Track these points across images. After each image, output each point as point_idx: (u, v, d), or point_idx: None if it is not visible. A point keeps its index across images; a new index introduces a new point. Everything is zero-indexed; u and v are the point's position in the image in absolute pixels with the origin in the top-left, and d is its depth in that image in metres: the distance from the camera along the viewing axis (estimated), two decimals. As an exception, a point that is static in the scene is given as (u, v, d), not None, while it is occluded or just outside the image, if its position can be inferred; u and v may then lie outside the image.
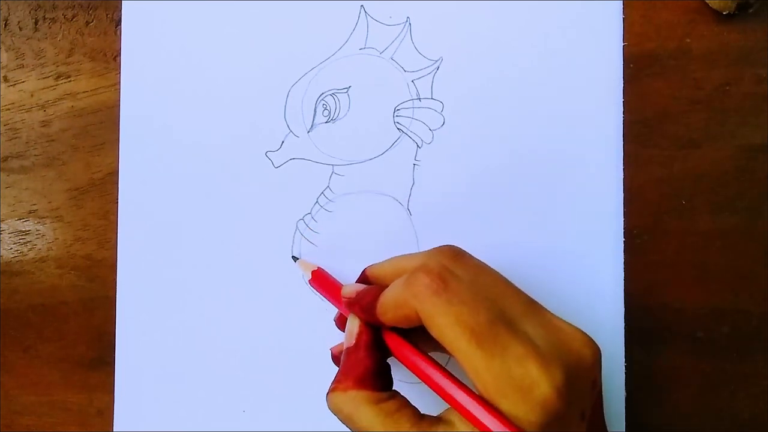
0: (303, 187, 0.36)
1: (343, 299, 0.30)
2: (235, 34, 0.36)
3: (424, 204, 0.36)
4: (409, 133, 0.36)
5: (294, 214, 0.36)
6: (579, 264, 0.35)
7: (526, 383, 0.23)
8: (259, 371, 0.36)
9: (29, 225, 0.38)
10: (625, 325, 0.35)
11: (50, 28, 0.37)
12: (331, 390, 0.27)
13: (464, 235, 0.35)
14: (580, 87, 0.35)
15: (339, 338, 0.36)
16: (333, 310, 0.34)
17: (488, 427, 0.23)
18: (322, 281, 0.34)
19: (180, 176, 0.36)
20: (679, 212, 0.35)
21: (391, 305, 0.27)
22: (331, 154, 0.36)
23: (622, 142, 0.35)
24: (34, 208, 0.38)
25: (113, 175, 0.37)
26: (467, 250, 0.32)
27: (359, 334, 0.28)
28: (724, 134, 0.35)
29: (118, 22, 0.37)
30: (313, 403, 0.36)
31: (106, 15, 0.37)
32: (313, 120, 0.36)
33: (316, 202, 0.36)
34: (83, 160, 0.37)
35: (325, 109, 0.36)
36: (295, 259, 0.36)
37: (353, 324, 0.29)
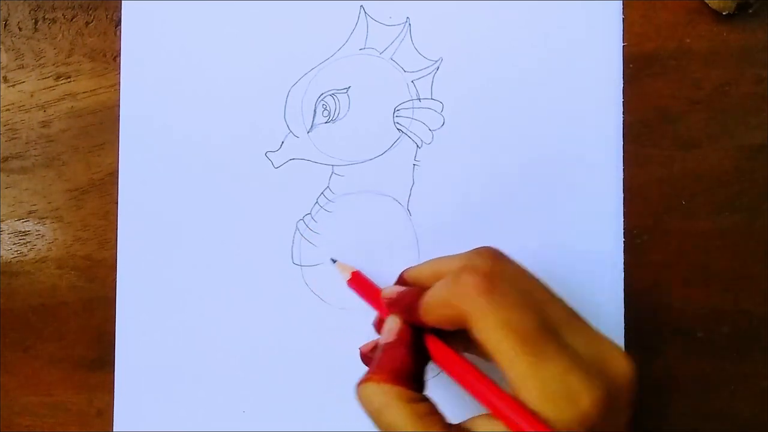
0: (303, 188, 0.36)
1: (383, 300, 0.30)
2: (234, 35, 0.36)
3: (424, 204, 0.36)
4: (409, 134, 0.36)
5: (294, 215, 0.36)
6: (579, 264, 0.35)
7: (570, 394, 0.22)
8: (259, 371, 0.36)
9: (29, 225, 0.38)
10: (625, 325, 0.35)
11: (50, 28, 0.37)
12: (365, 380, 0.26)
13: (464, 235, 0.35)
14: (580, 87, 0.35)
15: (340, 340, 0.36)
16: (335, 313, 0.34)
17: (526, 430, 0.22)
18: (361, 283, 0.34)
19: (180, 176, 0.36)
20: (679, 212, 0.35)
21: (435, 305, 0.26)
22: (330, 154, 0.36)
23: (622, 142, 0.35)
24: (34, 208, 0.38)
25: (113, 175, 0.37)
26: (467, 249, 0.32)
27: (400, 331, 0.28)
28: (723, 134, 0.35)
29: (118, 23, 0.37)
30: (313, 404, 0.36)
31: (106, 15, 0.37)
32: (313, 120, 0.36)
33: (316, 202, 0.36)
34: (83, 160, 0.37)
35: (325, 109, 0.36)
36: (333, 261, 0.35)
37: (394, 322, 0.28)
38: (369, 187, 0.36)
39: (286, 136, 0.36)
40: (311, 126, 0.36)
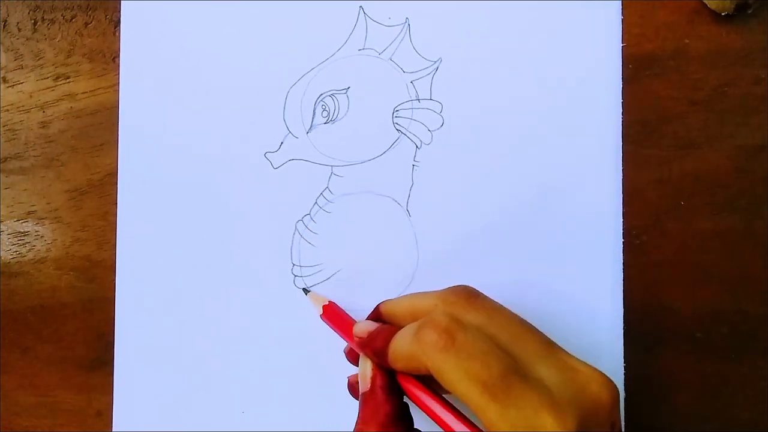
0: (302, 188, 0.36)
1: (354, 338, 0.30)
2: (234, 35, 0.36)
3: (423, 205, 0.36)
4: (408, 134, 0.36)
5: (293, 215, 0.36)
6: (578, 264, 0.35)
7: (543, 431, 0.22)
8: (259, 372, 0.36)
9: (28, 226, 0.38)
10: (624, 326, 0.35)
11: (49, 29, 0.37)
12: None
13: (463, 235, 0.35)
14: (579, 88, 0.35)
15: (339, 341, 0.36)
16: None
17: None
18: (334, 316, 0.33)
19: (179, 177, 0.36)
20: (678, 213, 0.35)
21: (401, 356, 0.26)
22: (330, 155, 0.36)
23: (621, 143, 0.35)
24: (33, 209, 0.38)
25: (112, 176, 0.37)
26: (466, 251, 0.32)
27: (373, 378, 0.28)
28: (723, 135, 0.35)
29: (117, 23, 0.37)
30: (312, 404, 0.36)
31: (105, 16, 0.37)
32: (312, 121, 0.36)
33: (315, 203, 0.36)
34: (82, 161, 0.37)
35: (324, 110, 0.36)
36: (306, 291, 0.35)
37: (366, 367, 0.29)
38: (368, 188, 0.36)
39: (286, 136, 0.36)
40: (310, 126, 0.36)
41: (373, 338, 0.29)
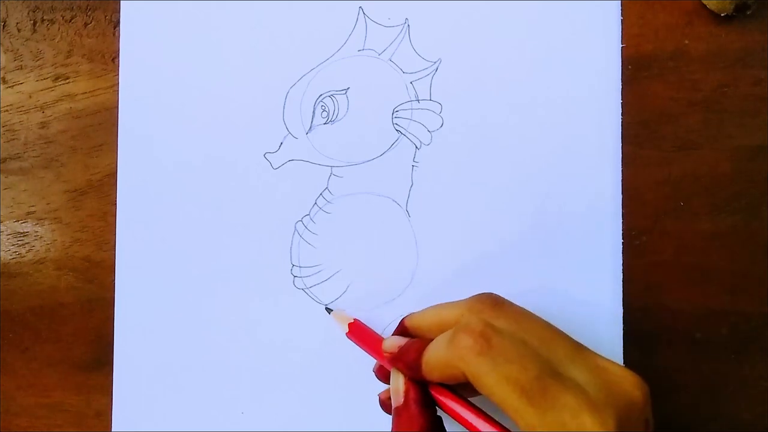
0: (301, 189, 0.36)
1: (384, 354, 0.30)
2: (233, 36, 0.36)
3: (423, 205, 0.36)
4: (408, 135, 0.36)
5: (292, 216, 0.36)
6: (578, 265, 0.35)
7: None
8: (258, 372, 0.36)
9: (27, 226, 0.38)
10: (623, 326, 0.35)
11: (48, 29, 0.37)
12: None
13: (462, 236, 0.35)
14: (578, 88, 0.35)
15: (338, 341, 0.36)
16: (325, 316, 0.34)
17: None
18: (360, 334, 0.33)
19: (178, 178, 0.36)
20: (677, 213, 0.35)
21: (436, 365, 0.26)
22: (329, 155, 0.36)
23: (620, 144, 0.35)
24: (33, 209, 0.38)
25: (112, 176, 0.37)
26: (466, 251, 0.33)
27: (406, 392, 0.28)
28: (722, 135, 0.35)
29: (117, 24, 0.37)
30: (311, 404, 0.36)
31: (105, 16, 0.37)
32: (312, 121, 0.36)
33: (315, 203, 0.36)
34: (82, 161, 0.37)
35: (324, 110, 0.36)
36: (329, 311, 0.35)
37: (398, 381, 0.29)
38: (368, 189, 0.36)
39: (285, 137, 0.36)
40: (310, 127, 0.36)
41: (405, 352, 0.29)
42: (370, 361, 0.32)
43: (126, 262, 0.37)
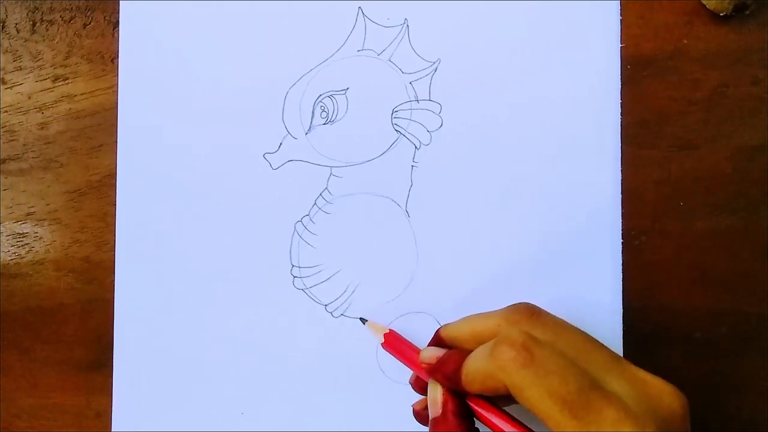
0: (301, 189, 0.36)
1: (422, 365, 0.30)
2: (232, 36, 0.36)
3: (423, 205, 0.36)
4: (407, 135, 0.36)
5: (292, 216, 0.36)
6: (577, 265, 0.35)
7: None
8: (257, 373, 0.36)
9: (27, 227, 0.38)
10: (623, 326, 0.35)
11: (48, 30, 0.37)
12: None
13: (462, 236, 0.35)
14: (577, 88, 0.35)
15: (338, 342, 0.36)
16: (325, 317, 0.34)
17: None
18: (396, 344, 0.33)
19: (178, 178, 0.36)
20: (677, 213, 0.35)
21: (477, 377, 0.26)
22: (329, 155, 0.36)
23: (619, 144, 0.35)
24: (32, 210, 0.38)
25: (111, 177, 0.37)
26: (465, 251, 0.32)
27: (444, 403, 0.28)
28: (721, 135, 0.35)
29: (116, 24, 0.37)
30: (311, 405, 0.36)
31: (104, 17, 0.37)
32: (311, 122, 0.36)
33: (315, 203, 0.36)
34: (81, 162, 0.37)
35: (323, 110, 0.36)
36: (363, 321, 0.35)
37: (436, 392, 0.28)
38: (367, 189, 0.36)
39: (284, 137, 0.36)
40: (309, 127, 0.36)
41: (443, 363, 0.28)
42: (370, 361, 0.32)
43: (125, 263, 0.37)
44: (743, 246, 0.35)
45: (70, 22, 0.37)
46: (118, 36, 0.37)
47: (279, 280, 0.36)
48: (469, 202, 0.35)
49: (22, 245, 0.38)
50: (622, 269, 0.35)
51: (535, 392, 0.24)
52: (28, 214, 0.38)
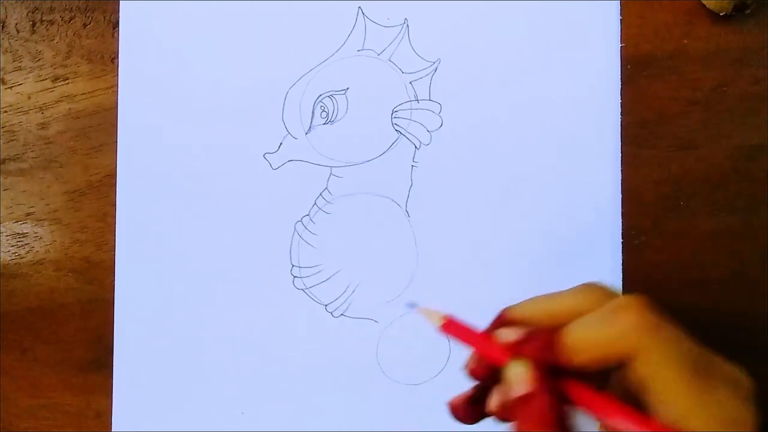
0: (301, 189, 0.36)
1: (503, 343, 0.27)
2: (232, 36, 0.36)
3: (423, 205, 0.36)
4: (407, 135, 0.36)
5: (292, 216, 0.36)
6: (577, 265, 0.35)
7: (736, 420, 0.23)
8: (257, 373, 0.36)
9: (27, 227, 0.38)
10: (623, 326, 0.34)
11: (48, 30, 0.37)
12: None
13: (462, 236, 0.35)
14: (577, 88, 0.35)
15: (338, 342, 0.36)
16: (325, 317, 0.34)
17: None
18: (457, 328, 0.29)
19: (178, 178, 0.36)
20: (676, 213, 0.35)
21: (590, 343, 0.25)
22: (329, 155, 0.36)
23: (619, 144, 0.35)
24: (32, 210, 0.38)
25: (111, 177, 0.37)
26: (466, 251, 0.32)
27: (537, 380, 0.25)
28: (721, 135, 0.35)
29: (116, 24, 0.37)
30: (311, 405, 0.36)
31: (104, 17, 0.37)
32: (311, 122, 0.36)
33: (315, 203, 0.36)
34: (81, 162, 0.37)
35: (323, 110, 0.36)
36: (412, 305, 0.31)
37: (520, 369, 0.26)
38: (367, 189, 0.36)
39: (284, 137, 0.36)
40: (309, 127, 0.36)
41: (533, 337, 0.26)
42: (371, 362, 0.32)
43: (125, 263, 0.37)
44: (743, 245, 0.35)
45: (70, 22, 0.37)
46: (118, 36, 0.37)
47: (279, 280, 0.36)
48: (469, 202, 0.35)
49: (22, 245, 0.38)
50: (622, 269, 0.35)
51: (661, 358, 0.23)
52: (28, 214, 0.38)
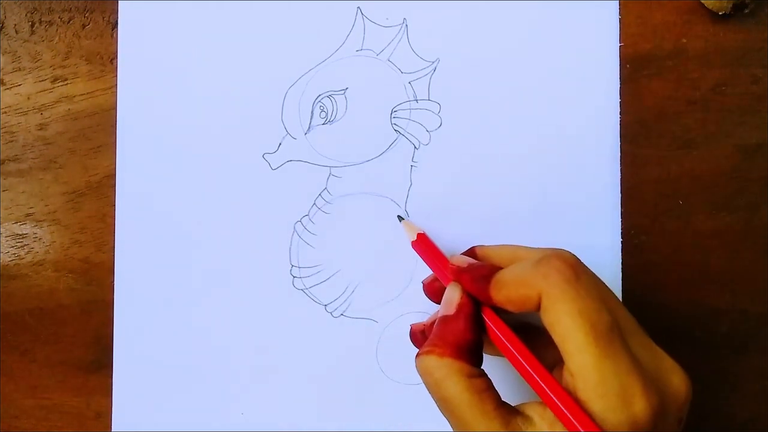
0: (300, 189, 0.36)
1: (451, 267, 0.30)
2: (232, 36, 0.36)
3: (422, 205, 0.36)
4: (407, 135, 0.36)
5: (291, 217, 0.36)
6: (577, 264, 0.35)
7: (626, 395, 0.23)
8: (258, 373, 0.36)
9: (26, 228, 0.38)
10: (623, 326, 0.35)
11: (47, 31, 0.37)
12: (426, 352, 0.27)
13: (462, 236, 0.35)
14: (576, 88, 0.35)
15: (337, 342, 0.36)
16: (324, 317, 0.34)
17: (577, 427, 0.23)
18: (426, 246, 0.33)
19: (177, 179, 0.36)
20: (676, 212, 0.35)
21: (511, 282, 0.26)
22: (328, 155, 0.36)
23: (619, 143, 0.35)
24: (31, 211, 0.38)
25: (110, 177, 0.37)
26: (466, 251, 0.32)
27: (460, 305, 0.28)
28: (720, 134, 0.35)
29: (115, 25, 0.37)
30: (311, 405, 0.36)
31: (103, 17, 0.37)
32: (311, 122, 0.36)
33: (314, 204, 0.36)
34: (80, 163, 0.37)
35: (322, 110, 0.36)
36: (400, 218, 0.35)
37: (454, 293, 0.29)
38: (367, 189, 0.36)
39: (284, 137, 0.36)
40: (308, 127, 0.36)
41: (475, 268, 0.29)
42: (370, 362, 0.32)
43: (125, 264, 0.37)
44: (743, 244, 0.35)
45: (69, 22, 0.37)
46: (117, 36, 0.37)
47: (279, 280, 0.36)
48: (468, 202, 0.35)
49: (22, 246, 0.38)
50: (622, 268, 0.35)
51: (569, 308, 0.24)
52: (28, 215, 0.38)
